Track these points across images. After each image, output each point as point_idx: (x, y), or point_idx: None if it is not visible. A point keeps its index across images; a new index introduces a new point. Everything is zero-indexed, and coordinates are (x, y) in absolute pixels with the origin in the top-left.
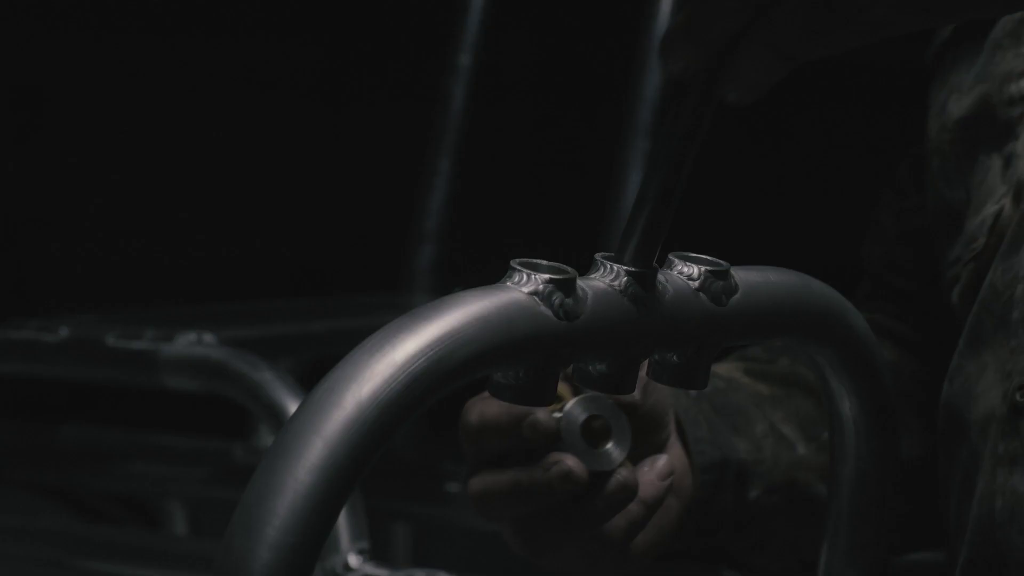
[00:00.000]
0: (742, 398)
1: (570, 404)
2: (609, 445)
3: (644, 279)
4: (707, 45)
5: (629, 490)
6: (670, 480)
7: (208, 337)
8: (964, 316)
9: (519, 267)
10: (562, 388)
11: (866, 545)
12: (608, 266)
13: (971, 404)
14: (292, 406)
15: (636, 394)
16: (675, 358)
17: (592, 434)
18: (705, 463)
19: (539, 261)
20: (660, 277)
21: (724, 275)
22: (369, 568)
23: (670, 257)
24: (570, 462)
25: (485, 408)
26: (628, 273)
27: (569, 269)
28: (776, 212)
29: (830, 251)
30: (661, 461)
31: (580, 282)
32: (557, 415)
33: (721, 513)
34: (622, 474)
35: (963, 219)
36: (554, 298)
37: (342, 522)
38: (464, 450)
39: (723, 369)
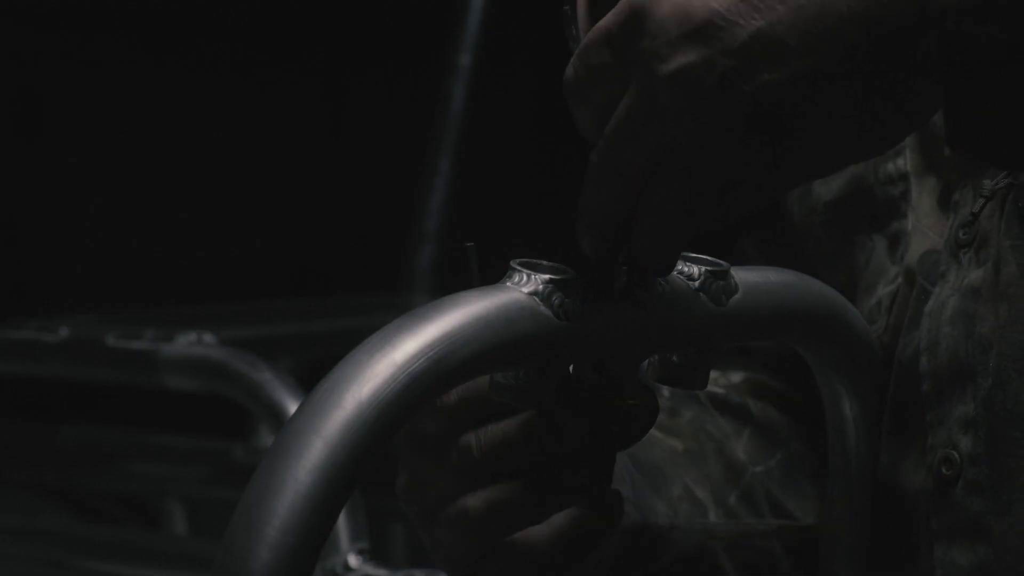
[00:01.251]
0: (658, 455)
1: None
2: None
3: (644, 279)
4: (602, 228)
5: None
6: None
7: (208, 337)
8: None
9: (519, 267)
10: None
11: (862, 544)
12: (608, 266)
13: (900, 480)
14: (292, 406)
15: None
16: (675, 358)
17: None
18: (627, 525)
19: (539, 261)
20: (660, 277)
21: (724, 275)
22: (369, 568)
23: None
24: None
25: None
26: (628, 273)
27: (569, 269)
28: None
29: None
30: None
31: (580, 282)
32: None
33: None
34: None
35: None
36: (554, 298)
37: (342, 522)
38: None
39: None
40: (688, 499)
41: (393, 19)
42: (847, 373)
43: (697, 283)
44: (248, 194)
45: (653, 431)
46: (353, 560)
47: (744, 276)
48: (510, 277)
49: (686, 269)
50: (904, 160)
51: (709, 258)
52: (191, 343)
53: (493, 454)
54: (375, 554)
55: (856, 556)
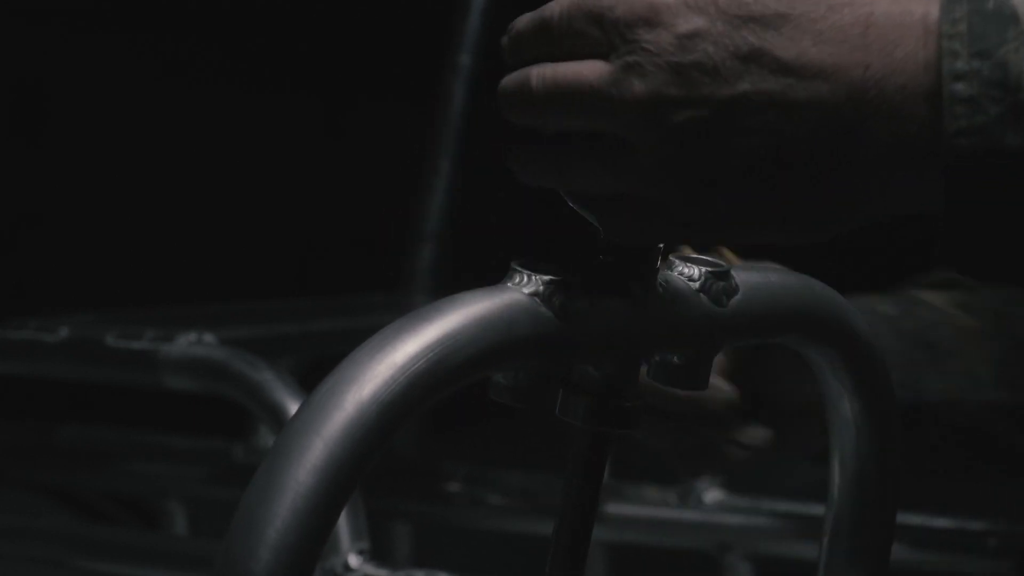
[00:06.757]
0: (945, 332)
1: None
2: None
3: (645, 280)
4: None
5: None
6: None
7: (208, 337)
8: None
9: (520, 268)
10: None
11: (868, 548)
12: (609, 267)
13: None
14: (292, 406)
15: None
16: (675, 359)
17: None
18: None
19: (539, 261)
20: (660, 278)
21: (724, 276)
22: (369, 568)
23: (671, 258)
24: None
25: None
26: (628, 274)
27: (569, 269)
28: None
29: (830, 250)
30: None
31: (580, 283)
32: None
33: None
34: None
35: None
36: (555, 299)
37: (342, 522)
38: None
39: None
40: (969, 375)
41: (393, 19)
42: (847, 373)
43: (697, 283)
44: (248, 194)
45: (944, 307)
46: (353, 560)
47: (744, 277)
48: (510, 277)
49: (686, 270)
50: None
51: (709, 258)
52: (191, 343)
53: None
54: (375, 554)
55: (860, 556)
